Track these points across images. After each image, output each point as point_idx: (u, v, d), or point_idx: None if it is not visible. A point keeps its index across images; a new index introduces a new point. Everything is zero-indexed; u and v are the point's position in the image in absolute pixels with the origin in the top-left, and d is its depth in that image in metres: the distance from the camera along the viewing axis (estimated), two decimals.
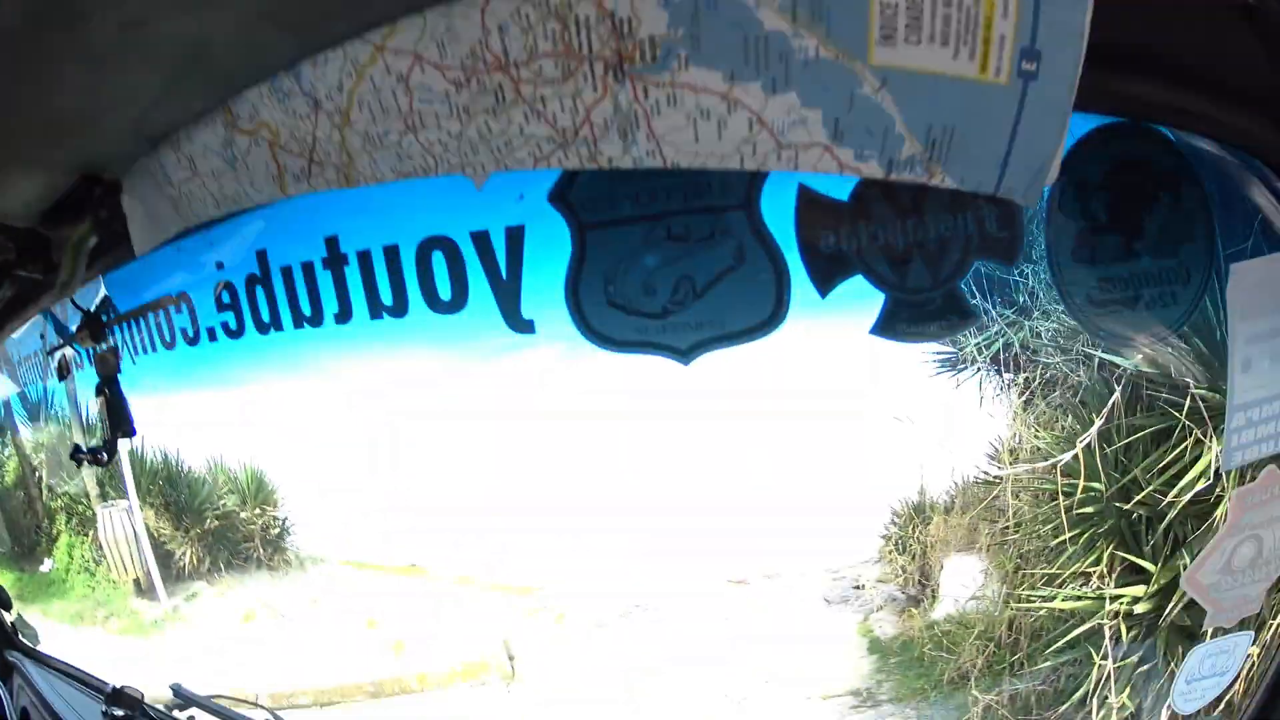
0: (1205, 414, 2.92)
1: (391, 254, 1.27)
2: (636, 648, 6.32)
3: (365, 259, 1.32)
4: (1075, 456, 3.74)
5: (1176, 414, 3.04)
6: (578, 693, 6.03)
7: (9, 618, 2.38)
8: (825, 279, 0.86)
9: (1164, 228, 1.39)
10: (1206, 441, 2.94)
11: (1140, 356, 3.15)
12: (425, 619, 6.62)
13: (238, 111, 1.10)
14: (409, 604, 6.83)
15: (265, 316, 1.51)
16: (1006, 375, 4.50)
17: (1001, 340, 4.36)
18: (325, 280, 1.40)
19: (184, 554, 7.26)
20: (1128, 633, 3.42)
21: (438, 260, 1.17)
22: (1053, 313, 3.98)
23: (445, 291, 1.20)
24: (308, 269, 1.42)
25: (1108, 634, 3.49)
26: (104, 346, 1.58)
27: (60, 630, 6.34)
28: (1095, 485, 3.65)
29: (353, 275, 1.36)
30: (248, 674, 6.30)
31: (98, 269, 1.65)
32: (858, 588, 5.99)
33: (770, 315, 0.91)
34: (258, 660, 6.64)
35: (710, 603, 6.92)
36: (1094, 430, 3.65)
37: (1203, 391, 2.93)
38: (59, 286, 1.51)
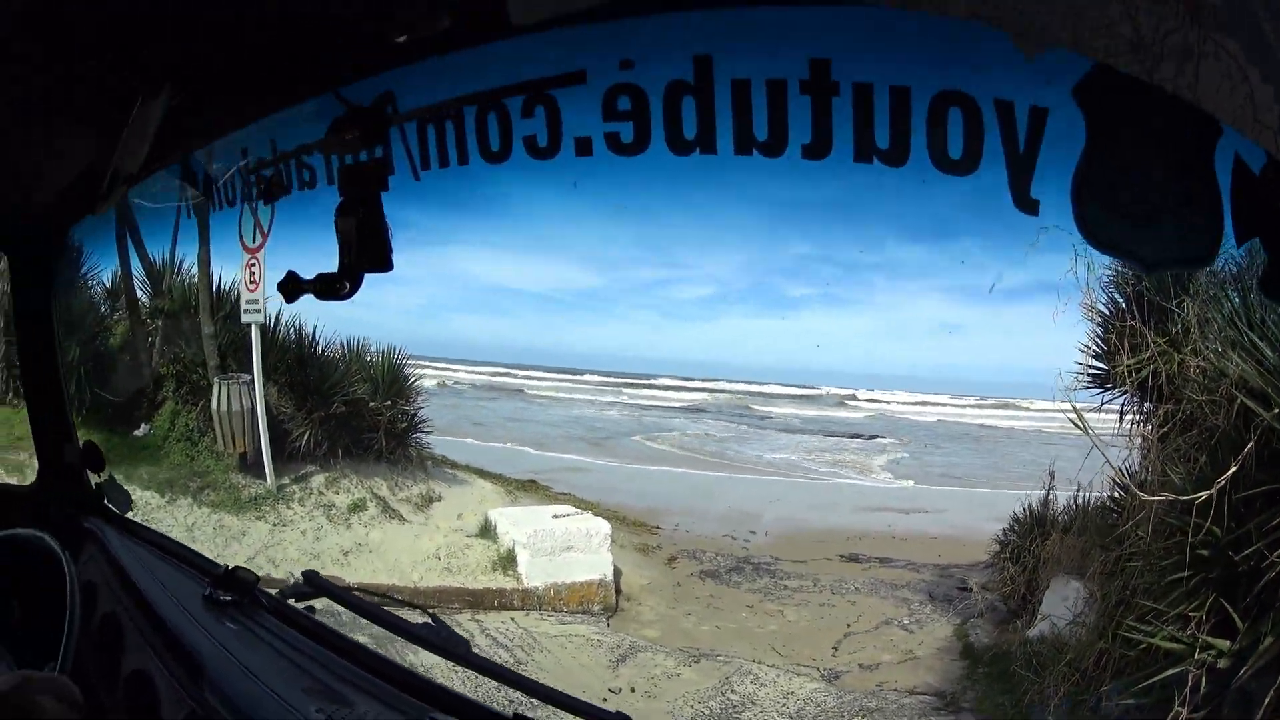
0: None
1: (902, 94, 1.09)
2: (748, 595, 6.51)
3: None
4: (1209, 498, 3.53)
5: None
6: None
7: (95, 480, 2.05)
8: (1241, 234, 0.99)
9: None
10: None
11: None
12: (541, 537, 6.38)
13: None
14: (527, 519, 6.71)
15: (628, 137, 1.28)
16: (1149, 405, 4.25)
17: (1151, 367, 4.14)
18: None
19: (302, 435, 7.32)
20: (1205, 685, 3.23)
21: (954, 114, 1.07)
22: (1203, 351, 3.73)
23: (957, 149, 1.08)
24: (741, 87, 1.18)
25: (1190, 682, 3.31)
26: (377, 152, 1.29)
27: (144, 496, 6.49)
28: (1216, 530, 3.44)
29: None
30: (346, 563, 6.35)
31: None
32: (963, 589, 5.82)
33: (1207, 252, 0.92)
34: (359, 550, 6.56)
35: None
36: (1229, 474, 3.45)
37: None
38: None
